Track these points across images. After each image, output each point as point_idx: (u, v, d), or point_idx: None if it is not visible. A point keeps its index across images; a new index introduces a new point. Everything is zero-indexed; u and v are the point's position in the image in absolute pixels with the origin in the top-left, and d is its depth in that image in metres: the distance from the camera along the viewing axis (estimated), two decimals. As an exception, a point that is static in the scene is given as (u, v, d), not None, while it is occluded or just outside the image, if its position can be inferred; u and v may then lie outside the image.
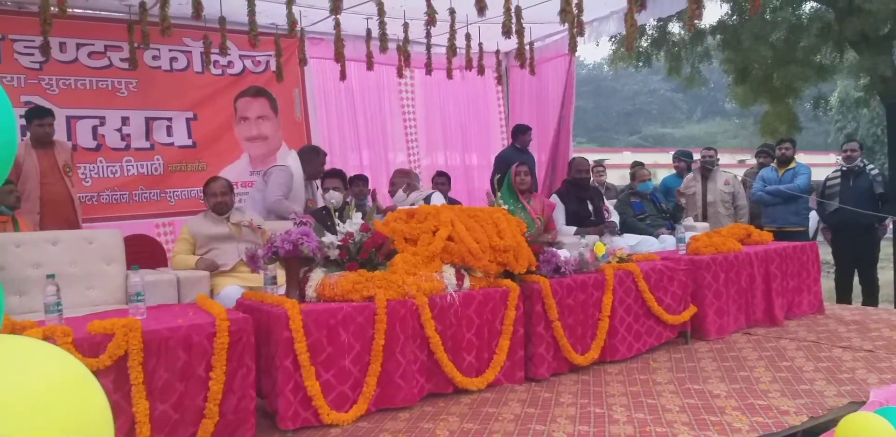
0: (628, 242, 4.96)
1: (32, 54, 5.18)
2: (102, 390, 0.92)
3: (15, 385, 0.80)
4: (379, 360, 3.02)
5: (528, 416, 2.95)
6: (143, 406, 2.43)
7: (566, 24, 5.21)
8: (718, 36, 12.05)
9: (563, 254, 3.81)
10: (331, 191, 3.89)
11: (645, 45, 12.35)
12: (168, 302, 3.49)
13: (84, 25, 5.41)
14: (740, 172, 7.28)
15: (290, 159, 4.75)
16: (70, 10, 4.63)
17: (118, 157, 5.60)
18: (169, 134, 5.84)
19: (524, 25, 5.46)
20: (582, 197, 5.30)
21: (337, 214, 3.48)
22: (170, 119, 5.83)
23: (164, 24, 4.71)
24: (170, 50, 5.79)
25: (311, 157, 4.92)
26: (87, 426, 0.84)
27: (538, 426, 2.81)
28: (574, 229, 5.07)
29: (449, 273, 3.39)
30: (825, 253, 5.84)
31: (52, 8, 4.49)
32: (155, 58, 5.74)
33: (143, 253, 4.57)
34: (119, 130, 5.61)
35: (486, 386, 3.31)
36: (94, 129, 5.50)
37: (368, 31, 5.78)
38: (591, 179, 5.80)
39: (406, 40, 5.76)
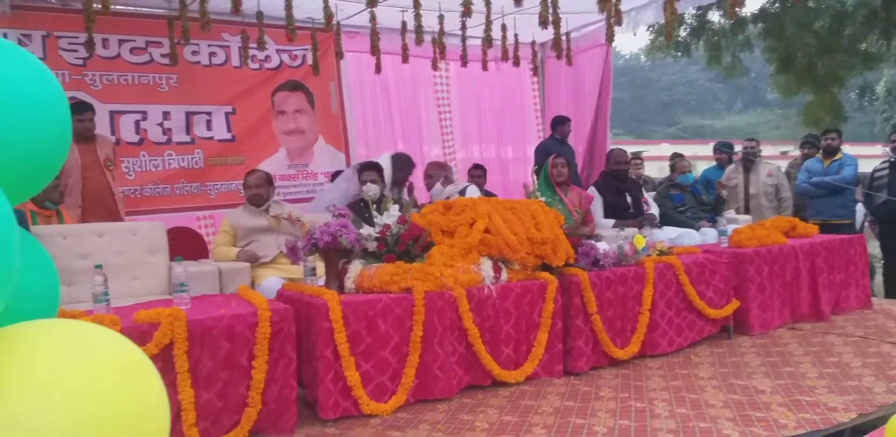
0: (668, 234, 4.87)
1: (76, 51, 5.29)
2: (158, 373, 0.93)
3: (87, 365, 0.83)
4: (417, 351, 3.03)
5: (567, 409, 2.93)
6: (188, 394, 2.48)
7: (604, 14, 5.12)
8: (760, 24, 11.73)
9: (602, 247, 3.77)
10: (368, 184, 3.90)
11: (684, 34, 12.09)
12: (210, 293, 3.54)
13: (126, 22, 5.50)
14: (783, 164, 7.10)
15: (382, 160, 4.77)
16: (112, 6, 4.71)
17: (160, 151, 5.70)
18: (209, 128, 5.92)
19: (561, 15, 5.39)
20: (620, 189, 5.22)
21: (374, 206, 3.49)
22: (209, 113, 5.91)
23: (203, 20, 4.76)
24: (209, 45, 5.86)
25: (404, 164, 4.94)
26: (149, 406, 0.86)
27: (578, 420, 2.79)
28: (612, 221, 5.01)
29: (486, 265, 3.38)
30: (872, 247, 5.66)
31: (94, 5, 4.57)
32: (195, 53, 5.82)
33: (185, 245, 4.65)
34: (160, 124, 5.70)
35: (524, 379, 3.30)
36: (137, 123, 5.60)
37: (404, 24, 5.77)
38: (630, 170, 5.71)
39: (441, 32, 5.74)
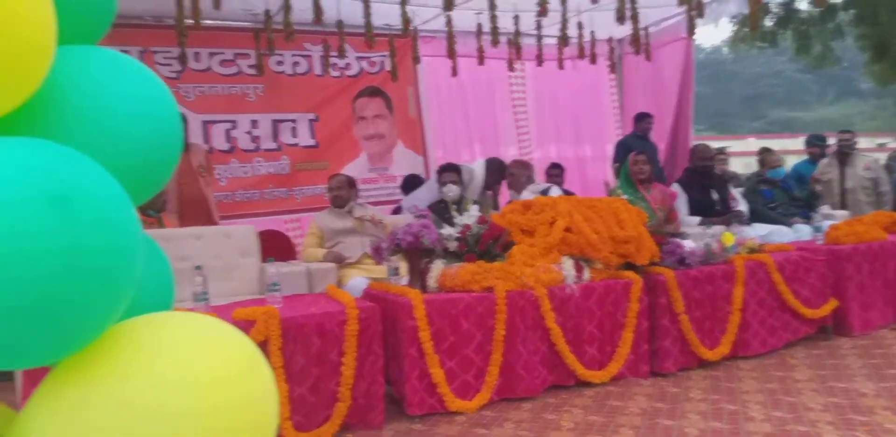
0: (758, 231, 4.68)
1: (171, 64, 5.60)
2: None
3: (208, 354, 0.89)
4: (500, 350, 3.05)
5: (655, 410, 2.88)
6: (282, 389, 2.59)
7: (683, 7, 4.99)
8: (851, 11, 11.10)
9: (688, 245, 3.67)
10: (449, 185, 3.95)
11: (769, 24, 11.59)
12: (299, 292, 3.68)
13: (215, 35, 5.78)
14: (881, 157, 6.69)
15: (477, 166, 4.86)
16: (203, 21, 4.96)
17: (249, 158, 5.96)
18: (294, 135, 6.14)
19: (639, 10, 5.29)
20: (706, 186, 5.07)
21: (455, 206, 3.54)
22: (294, 121, 6.13)
23: (287, 30, 4.95)
24: (292, 55, 6.08)
25: (499, 169, 5.02)
26: (263, 393, 0.92)
27: (667, 421, 2.73)
28: (698, 219, 4.86)
29: (567, 265, 3.36)
30: None
31: (187, 20, 4.84)
32: (279, 63, 6.05)
33: (275, 247, 4.84)
34: (249, 132, 5.96)
35: (609, 379, 3.26)
36: (227, 132, 5.88)
37: (479, 26, 5.81)
38: (715, 166, 5.52)
39: (517, 33, 5.74)
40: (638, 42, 5.76)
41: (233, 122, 5.90)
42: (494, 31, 5.47)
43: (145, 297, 0.94)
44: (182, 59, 5.28)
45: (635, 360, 3.37)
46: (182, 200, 4.94)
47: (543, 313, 3.15)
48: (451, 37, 5.57)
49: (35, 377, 2.26)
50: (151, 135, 1.00)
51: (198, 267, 2.83)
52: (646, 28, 6.11)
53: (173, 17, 5.01)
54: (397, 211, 5.53)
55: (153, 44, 5.59)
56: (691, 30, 5.59)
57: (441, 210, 4.07)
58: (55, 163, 0.77)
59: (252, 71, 5.83)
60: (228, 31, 5.86)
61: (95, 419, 0.80)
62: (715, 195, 5.06)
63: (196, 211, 4.99)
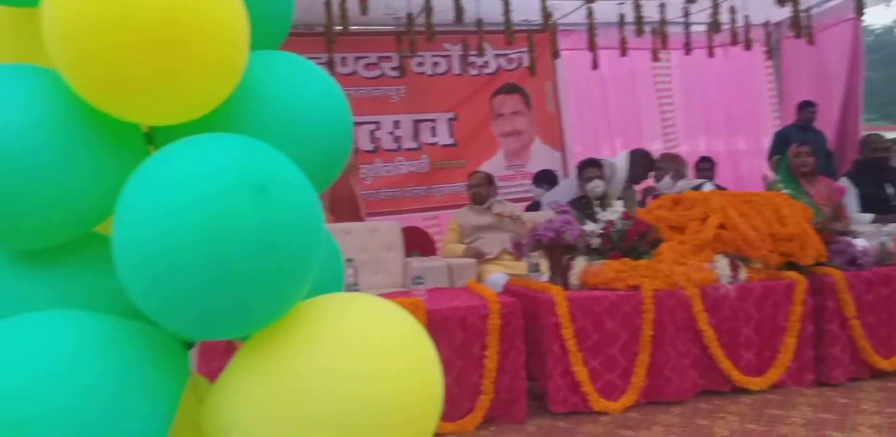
0: (943, 230, 4.16)
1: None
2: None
3: (384, 325, 0.99)
4: (647, 351, 2.94)
5: (821, 421, 2.65)
6: (428, 379, 2.65)
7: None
8: None
9: (860, 244, 3.34)
10: (595, 180, 3.86)
11: (956, -3, 10.27)
12: (440, 286, 3.76)
13: (360, 40, 6.03)
14: None
15: (620, 159, 4.75)
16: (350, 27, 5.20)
17: (391, 157, 6.17)
18: (433, 134, 6.28)
19: (800, -10, 4.88)
20: (879, 179, 4.58)
21: (598, 202, 3.45)
22: (434, 120, 6.27)
23: (429, 32, 5.07)
24: (432, 56, 6.23)
25: (644, 161, 4.83)
26: (430, 361, 1.01)
27: (836, 433, 2.50)
28: (871, 216, 4.40)
29: (722, 264, 3.18)
30: None
31: (335, 27, 5.09)
32: (420, 64, 6.21)
33: (416, 243, 4.98)
34: (391, 132, 6.18)
35: (768, 387, 3.04)
36: (372, 133, 6.13)
37: (621, 17, 5.62)
38: (890, 158, 4.97)
39: (662, 21, 5.50)
40: (799, 25, 5.32)
41: (377, 123, 6.14)
42: (639, 21, 5.28)
43: (321, 279, 1.02)
44: (330, 64, 5.56)
45: (798, 367, 3.11)
46: (334, 198, 5.21)
47: (695, 314, 2.99)
48: (591, 29, 5.44)
49: (210, 349, 2.48)
50: (328, 131, 1.10)
51: (349, 260, 2.97)
52: (807, 10, 5.63)
53: (323, 24, 5.29)
54: (533, 207, 5.49)
55: (304, 51, 5.82)
56: (860, 10, 5.07)
57: (582, 206, 3.98)
58: (253, 156, 0.88)
59: (395, 73, 6.03)
60: (372, 35, 6.10)
61: (293, 385, 0.88)
62: (890, 190, 4.57)
63: (346, 208, 5.25)
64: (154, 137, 1.05)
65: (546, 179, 5.76)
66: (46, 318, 0.89)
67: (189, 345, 1.04)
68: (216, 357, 2.43)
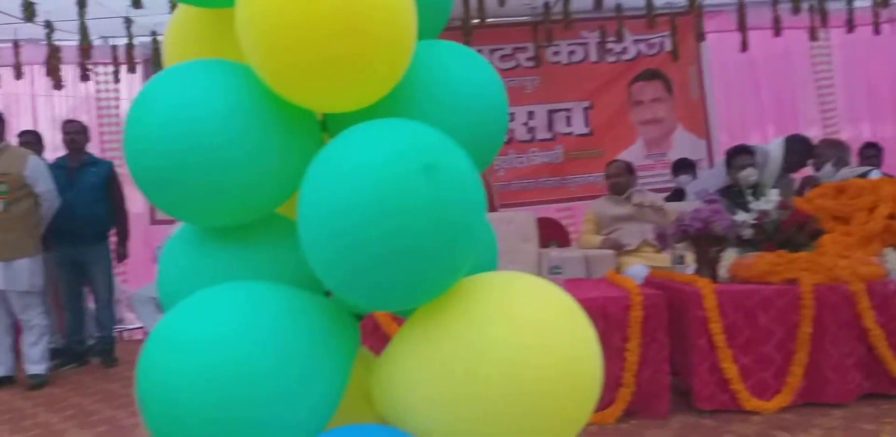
0: None
1: (459, 63, 6.02)
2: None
3: (548, 300, 1.05)
4: (805, 349, 2.75)
5: None
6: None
7: None
8: None
9: None
10: (748, 168, 3.65)
11: None
12: (577, 278, 3.72)
13: (495, 32, 6.05)
14: None
15: (773, 146, 4.48)
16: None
17: (525, 148, 6.16)
18: (568, 124, 6.19)
19: None
20: None
21: (750, 191, 3.26)
22: (569, 110, 6.18)
23: (567, 20, 5.00)
24: (568, 44, 6.12)
25: (802, 148, 4.47)
26: (591, 336, 1.06)
27: None
28: None
29: (892, 257, 2.92)
30: None
31: (473, 20, 5.15)
32: (555, 54, 6.14)
33: (550, 234, 4.94)
34: (525, 123, 6.16)
35: (946, 394, 2.75)
36: (505, 125, 6.15)
37: (775, -6, 5.26)
38: None
39: (823, -4, 5.08)
40: None
41: (511, 114, 6.11)
42: (794, -3, 4.91)
43: (478, 259, 1.06)
44: (467, 56, 5.64)
45: None
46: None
47: (861, 312, 2.76)
48: (741, 8, 5.14)
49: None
50: (488, 116, 1.15)
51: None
52: None
53: (460, 18, 5.37)
54: (675, 197, 5.27)
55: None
56: None
57: (732, 195, 3.77)
58: (425, 139, 0.94)
59: (529, 63, 6.00)
60: (507, 27, 6.10)
61: (463, 354, 0.93)
62: None
63: (480, 199, 5.33)
64: (327, 124, 1.13)
65: (687, 167, 5.52)
66: (244, 287, 0.99)
67: (359, 318, 1.12)
68: (364, 338, 2.56)
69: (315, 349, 0.95)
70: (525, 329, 0.95)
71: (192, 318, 0.93)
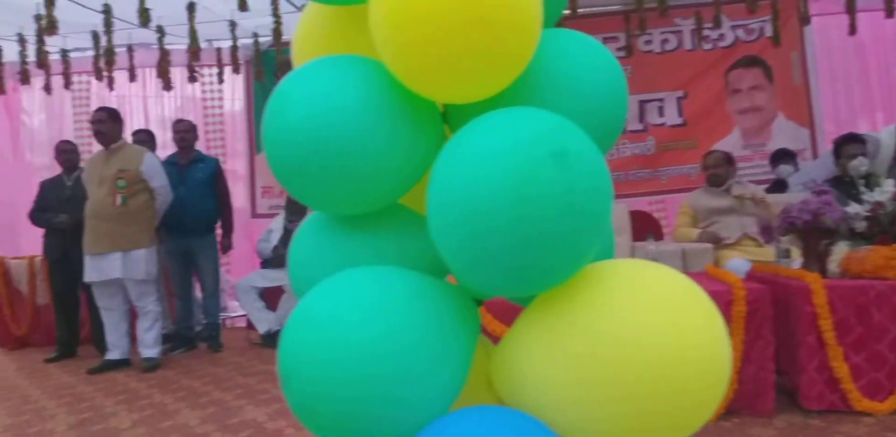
0: None
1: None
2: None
3: (676, 286, 1.04)
4: (925, 349, 2.59)
5: None
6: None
7: None
8: None
9: None
10: (859, 157, 3.46)
11: None
12: (674, 271, 3.64)
13: (586, 23, 5.95)
14: None
15: (885, 134, 4.26)
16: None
17: (617, 141, 6.05)
18: (660, 115, 6.04)
19: None
20: None
21: (862, 181, 3.10)
22: (661, 100, 6.02)
23: (661, 7, 4.87)
24: (661, 33, 5.97)
25: None
26: (721, 322, 1.05)
27: None
28: None
29: None
30: None
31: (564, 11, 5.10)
32: (647, 42, 5.99)
33: (642, 227, 4.85)
34: (616, 115, 6.05)
35: None
36: (595, 116, 6.05)
37: (890, -29, 4.93)
38: None
39: (943, -27, 4.72)
40: None
41: (601, 105, 6.05)
42: (911, -25, 4.59)
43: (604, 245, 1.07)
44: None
45: None
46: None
47: None
48: (852, -12, 4.84)
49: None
50: (610, 102, 1.15)
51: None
52: None
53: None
54: (775, 188, 5.04)
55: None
56: None
57: (842, 186, 3.59)
58: (553, 127, 0.96)
59: (621, 53, 5.88)
60: (598, 16, 6.00)
61: (591, 338, 0.95)
62: None
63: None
64: (448, 116, 1.17)
65: (787, 157, 5.28)
66: (380, 271, 1.05)
67: (479, 303, 1.15)
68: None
69: (443, 331, 0.99)
70: (656, 313, 0.95)
71: (332, 299, 0.99)
